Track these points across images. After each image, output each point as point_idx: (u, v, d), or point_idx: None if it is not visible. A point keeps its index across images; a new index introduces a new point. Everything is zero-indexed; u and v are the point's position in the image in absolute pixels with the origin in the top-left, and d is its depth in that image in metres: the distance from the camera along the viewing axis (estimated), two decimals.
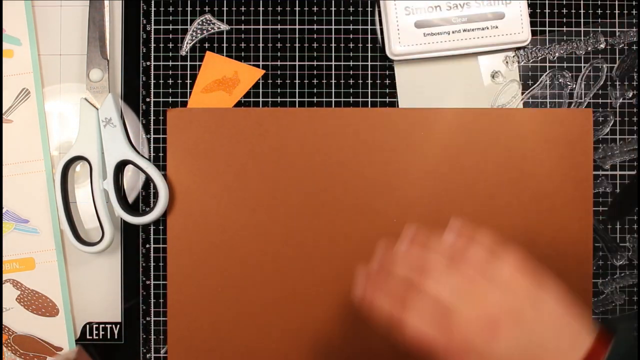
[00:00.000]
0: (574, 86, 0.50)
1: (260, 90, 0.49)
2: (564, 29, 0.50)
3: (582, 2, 0.50)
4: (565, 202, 0.49)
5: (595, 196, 0.49)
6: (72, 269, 0.50)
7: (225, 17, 0.49)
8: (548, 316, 0.36)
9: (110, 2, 0.49)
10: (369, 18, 0.50)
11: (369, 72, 0.49)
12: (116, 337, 0.49)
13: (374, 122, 0.49)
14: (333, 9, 0.49)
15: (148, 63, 0.49)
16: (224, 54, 0.49)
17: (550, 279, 0.38)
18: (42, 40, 0.50)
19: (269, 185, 0.48)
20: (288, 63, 0.49)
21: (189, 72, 0.49)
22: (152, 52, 0.49)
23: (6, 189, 0.49)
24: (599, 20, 0.50)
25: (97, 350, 0.49)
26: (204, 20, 0.49)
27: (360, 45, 0.49)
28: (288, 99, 0.49)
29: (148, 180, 0.49)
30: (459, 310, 0.35)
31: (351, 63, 0.49)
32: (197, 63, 0.49)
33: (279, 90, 0.49)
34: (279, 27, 0.49)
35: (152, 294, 0.49)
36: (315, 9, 0.49)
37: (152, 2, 0.49)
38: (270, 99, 0.49)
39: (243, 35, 0.49)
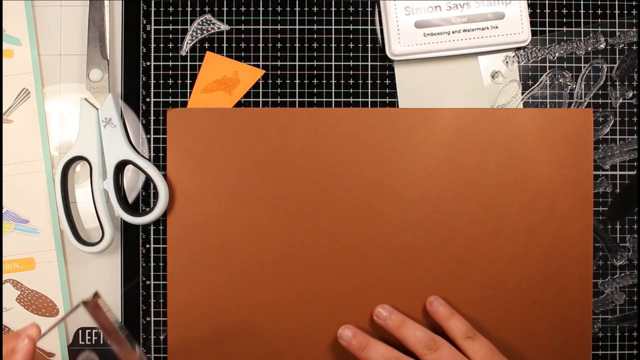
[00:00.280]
0: (574, 86, 0.50)
1: (260, 90, 0.49)
2: (564, 29, 0.50)
3: (582, 2, 0.50)
4: (565, 202, 0.49)
5: (595, 196, 0.49)
6: (72, 269, 0.50)
7: (225, 17, 0.49)
8: None
9: (110, 2, 0.49)
10: (369, 18, 0.50)
11: (369, 72, 0.49)
12: None
13: (374, 122, 0.49)
14: (333, 9, 0.49)
15: (148, 63, 0.49)
16: (224, 54, 0.49)
17: None
18: (42, 40, 0.50)
19: (269, 185, 0.48)
20: (288, 63, 0.49)
21: (189, 72, 0.49)
22: (152, 52, 0.49)
23: (6, 189, 0.49)
24: (599, 20, 0.50)
25: (97, 350, 0.49)
26: (204, 20, 0.49)
27: (360, 45, 0.49)
28: (288, 99, 0.49)
29: (148, 180, 0.49)
30: None
31: (351, 63, 0.49)
32: (197, 63, 0.49)
33: (279, 91, 0.49)
34: (279, 27, 0.49)
35: (152, 294, 0.49)
36: (315, 9, 0.49)
37: (152, 2, 0.49)
38: (270, 99, 0.49)
39: (243, 35, 0.49)
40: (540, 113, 0.49)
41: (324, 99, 0.49)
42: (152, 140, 0.49)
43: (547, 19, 0.49)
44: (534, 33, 0.49)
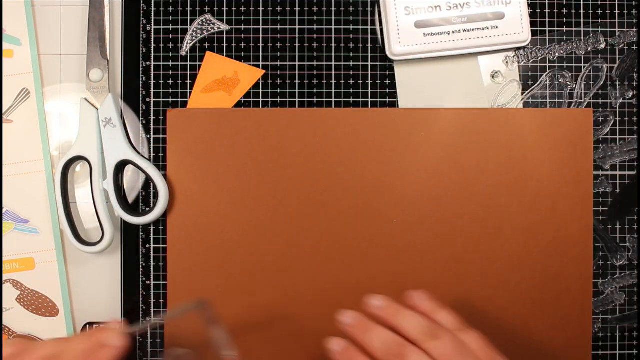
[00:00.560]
0: (574, 86, 0.50)
1: (260, 91, 0.49)
2: (564, 29, 0.50)
3: (582, 2, 0.50)
4: (565, 202, 0.49)
5: (595, 196, 0.49)
6: (72, 269, 0.50)
7: (225, 17, 0.49)
8: None
9: (110, 2, 0.49)
10: (369, 18, 0.50)
11: (369, 72, 0.49)
12: None
13: (374, 122, 0.49)
14: (333, 9, 0.49)
15: (148, 63, 0.49)
16: (224, 54, 0.49)
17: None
18: (42, 40, 0.50)
19: (269, 185, 0.48)
20: (288, 63, 0.49)
21: (189, 72, 0.49)
22: (152, 52, 0.49)
23: (6, 189, 0.49)
24: (599, 20, 0.50)
25: None
26: (204, 20, 0.49)
27: (360, 45, 0.49)
28: (288, 99, 0.49)
29: (148, 180, 0.49)
30: None
31: (351, 63, 0.49)
32: (197, 63, 0.49)
33: (279, 91, 0.49)
34: (279, 27, 0.49)
35: (152, 294, 0.49)
36: (315, 9, 0.49)
37: (152, 2, 0.49)
38: (270, 99, 0.49)
39: (243, 35, 0.49)
40: (540, 113, 0.49)
41: (324, 99, 0.49)
42: (152, 140, 0.49)
43: (547, 19, 0.49)
44: (534, 33, 0.49)
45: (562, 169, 0.49)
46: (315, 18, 0.49)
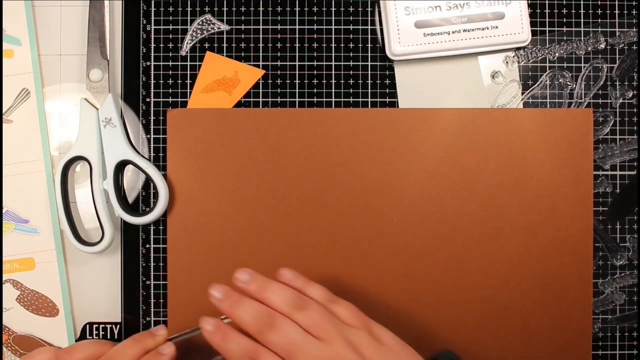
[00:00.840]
0: (574, 86, 0.50)
1: (260, 91, 0.49)
2: (564, 29, 0.50)
3: (582, 2, 0.50)
4: (565, 202, 0.49)
5: (595, 196, 0.49)
6: (72, 269, 0.50)
7: (225, 17, 0.49)
8: (389, 349, 0.40)
9: (110, 2, 0.49)
10: (369, 18, 0.50)
11: (369, 72, 0.49)
12: (116, 337, 0.49)
13: (374, 122, 0.49)
14: (333, 9, 0.49)
15: (148, 63, 0.49)
16: (224, 54, 0.49)
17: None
18: (42, 40, 0.50)
19: (269, 185, 0.48)
20: (288, 63, 0.49)
21: (189, 72, 0.49)
22: (152, 52, 0.49)
23: (6, 189, 0.49)
24: (599, 20, 0.50)
25: None
26: (204, 20, 0.49)
27: (360, 45, 0.49)
28: (288, 99, 0.49)
29: (148, 180, 0.49)
30: (306, 352, 0.38)
31: (351, 63, 0.49)
32: (197, 63, 0.49)
33: (279, 91, 0.49)
34: (279, 27, 0.49)
35: (152, 294, 0.49)
36: (315, 9, 0.49)
37: (152, 2, 0.49)
38: (270, 99, 0.49)
39: (243, 35, 0.49)
40: (540, 113, 0.49)
41: (324, 99, 0.49)
42: (152, 140, 0.49)
43: (547, 19, 0.49)
44: (534, 33, 0.49)
45: (562, 169, 0.49)
46: (315, 18, 0.49)
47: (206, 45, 0.49)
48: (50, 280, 0.49)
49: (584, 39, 0.50)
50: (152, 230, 0.49)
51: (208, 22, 0.49)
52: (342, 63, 0.49)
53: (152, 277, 0.49)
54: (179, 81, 0.49)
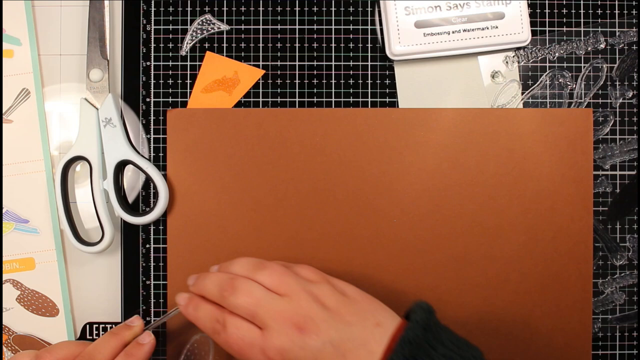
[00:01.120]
0: (574, 86, 0.50)
1: (260, 90, 0.49)
2: (564, 29, 0.50)
3: (582, 2, 0.50)
4: (565, 202, 0.49)
5: (595, 196, 0.49)
6: (72, 269, 0.50)
7: (225, 17, 0.49)
8: (353, 300, 0.40)
9: (110, 2, 0.49)
10: (369, 18, 0.50)
11: (369, 72, 0.49)
12: None
13: (374, 122, 0.49)
14: (333, 9, 0.50)
15: (148, 63, 0.49)
16: (224, 54, 0.49)
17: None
18: (42, 40, 0.50)
19: (269, 185, 0.48)
20: (288, 63, 0.49)
21: (189, 72, 0.49)
22: (152, 52, 0.49)
23: (6, 189, 0.49)
24: (599, 20, 0.50)
25: None
26: (204, 20, 0.49)
27: (360, 45, 0.49)
28: (288, 99, 0.49)
29: (148, 180, 0.49)
30: (269, 309, 0.38)
31: (351, 63, 0.49)
32: (197, 63, 0.49)
33: (279, 90, 0.49)
34: (279, 27, 0.49)
35: (152, 294, 0.49)
36: (315, 9, 0.49)
37: (152, 2, 0.49)
38: (270, 99, 0.49)
39: (243, 35, 0.49)
40: (540, 113, 0.49)
41: (324, 99, 0.49)
42: (152, 140, 0.49)
43: (547, 19, 0.49)
44: (534, 33, 0.49)
45: (562, 169, 0.49)
46: (315, 18, 0.49)
47: (206, 45, 0.49)
48: (50, 280, 0.49)
49: (584, 39, 0.50)
50: (152, 230, 0.49)
51: (208, 22, 0.49)
52: (342, 63, 0.49)
53: (152, 277, 0.49)
54: (179, 81, 0.49)
